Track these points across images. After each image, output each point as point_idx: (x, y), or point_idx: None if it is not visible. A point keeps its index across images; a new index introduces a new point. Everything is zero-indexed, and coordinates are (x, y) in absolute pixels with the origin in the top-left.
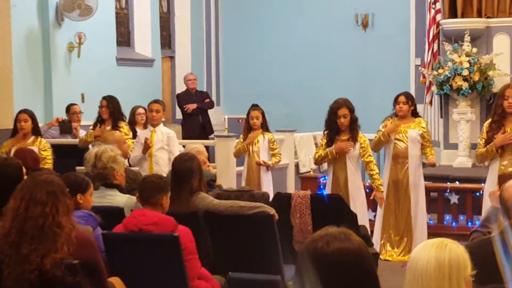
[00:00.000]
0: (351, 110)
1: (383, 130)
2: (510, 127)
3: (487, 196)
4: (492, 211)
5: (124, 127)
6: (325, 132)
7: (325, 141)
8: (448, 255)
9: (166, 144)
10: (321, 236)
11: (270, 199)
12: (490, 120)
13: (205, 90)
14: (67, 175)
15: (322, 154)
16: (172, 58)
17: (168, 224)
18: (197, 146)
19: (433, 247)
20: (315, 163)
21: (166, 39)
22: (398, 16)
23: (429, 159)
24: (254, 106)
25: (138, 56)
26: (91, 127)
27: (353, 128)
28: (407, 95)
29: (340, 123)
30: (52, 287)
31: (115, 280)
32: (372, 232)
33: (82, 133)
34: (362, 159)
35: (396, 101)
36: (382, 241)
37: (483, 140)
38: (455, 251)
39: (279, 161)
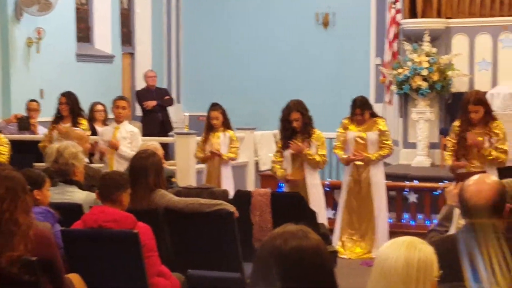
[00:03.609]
0: (303, 112)
1: (341, 131)
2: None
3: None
4: (449, 210)
5: (84, 123)
6: (280, 138)
7: (280, 145)
8: (417, 256)
9: (129, 142)
10: (279, 234)
11: (230, 196)
12: (458, 123)
13: (165, 87)
14: (22, 171)
15: (278, 174)
16: (132, 54)
17: (128, 221)
18: (153, 143)
19: (402, 246)
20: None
21: (127, 36)
22: (359, 15)
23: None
24: (214, 106)
25: (98, 52)
26: (49, 125)
27: (306, 130)
28: (361, 105)
29: (293, 127)
30: (9, 284)
31: (73, 277)
32: (332, 230)
33: (40, 129)
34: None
35: (353, 109)
36: (342, 239)
37: (451, 142)
38: (424, 251)
39: (234, 158)
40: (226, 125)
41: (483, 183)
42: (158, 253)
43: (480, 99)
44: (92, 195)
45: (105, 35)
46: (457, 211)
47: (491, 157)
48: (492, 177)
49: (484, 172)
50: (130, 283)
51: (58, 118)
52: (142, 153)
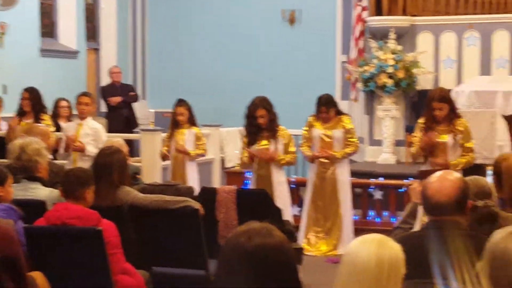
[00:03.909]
0: (268, 109)
1: (307, 129)
2: (437, 133)
3: None
4: (413, 207)
5: (47, 119)
6: (245, 135)
7: (246, 141)
8: (388, 253)
9: (93, 139)
10: (243, 231)
11: (196, 193)
12: (423, 120)
13: (130, 83)
14: None
15: (246, 161)
16: (97, 50)
17: (92, 218)
18: (118, 140)
19: (373, 244)
20: (242, 168)
21: (91, 31)
22: (325, 13)
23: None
24: (180, 102)
25: (63, 48)
26: (11, 120)
27: (272, 126)
28: (326, 103)
29: (258, 124)
30: None
31: (36, 275)
32: (297, 227)
33: (3, 125)
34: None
35: (318, 107)
36: (308, 236)
37: (416, 139)
38: (394, 249)
39: (202, 154)
40: (192, 122)
41: (445, 180)
42: (123, 250)
43: (445, 97)
44: (56, 192)
45: (69, 30)
46: (421, 208)
47: (460, 167)
48: (455, 174)
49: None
50: (94, 281)
51: (21, 113)
52: (107, 150)
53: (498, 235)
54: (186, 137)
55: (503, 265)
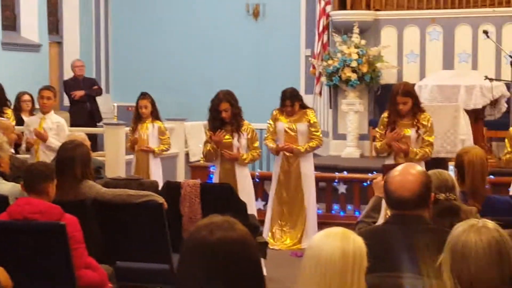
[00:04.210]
0: (232, 103)
1: (271, 122)
2: (401, 127)
3: None
4: (376, 201)
5: (9, 113)
6: (209, 128)
7: (210, 135)
8: (352, 247)
9: (55, 133)
10: (205, 225)
11: (160, 187)
12: (387, 114)
13: (93, 77)
14: None
15: (211, 150)
16: (60, 43)
17: (54, 212)
18: (80, 134)
19: (336, 237)
20: (205, 160)
21: (54, 24)
22: (289, 7)
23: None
24: (143, 95)
25: (25, 41)
26: None
27: (236, 120)
28: (291, 96)
29: (222, 118)
30: None
31: None
32: (262, 221)
33: None
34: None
35: (283, 100)
36: (272, 230)
37: (379, 134)
38: (358, 242)
39: (167, 149)
40: (155, 116)
41: (408, 174)
42: (86, 245)
43: (409, 91)
44: (18, 186)
45: (31, 23)
46: (384, 202)
47: (418, 157)
48: (417, 168)
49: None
50: (56, 275)
51: None
52: (69, 144)
53: (459, 228)
54: (149, 131)
55: (464, 258)
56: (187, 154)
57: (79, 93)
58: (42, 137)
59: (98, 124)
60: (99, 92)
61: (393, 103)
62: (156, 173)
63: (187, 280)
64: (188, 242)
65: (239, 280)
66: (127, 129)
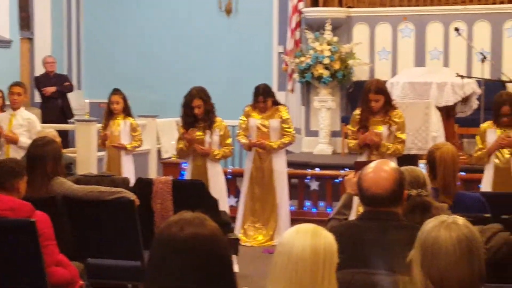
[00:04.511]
0: (205, 99)
1: (243, 118)
2: (373, 124)
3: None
4: (348, 198)
5: None
6: (181, 125)
7: (182, 132)
8: (323, 243)
9: (26, 130)
10: (175, 221)
11: (131, 184)
12: (359, 111)
13: (65, 73)
14: None
15: (183, 148)
16: (31, 39)
17: (25, 209)
18: (50, 130)
19: (307, 234)
20: (178, 157)
21: (25, 20)
22: (261, 3)
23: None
24: (115, 91)
25: None
26: None
27: (209, 117)
28: (264, 92)
29: (195, 114)
30: None
31: None
32: (234, 218)
33: None
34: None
35: (255, 96)
36: (244, 227)
37: (351, 131)
38: (328, 239)
39: (139, 146)
40: (127, 112)
41: (381, 171)
42: (57, 242)
43: (381, 88)
44: None
45: (2, 19)
46: (356, 199)
47: (389, 151)
48: (390, 164)
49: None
50: (27, 273)
51: None
52: (40, 141)
53: (429, 224)
54: (121, 128)
55: (434, 254)
56: (159, 151)
57: (50, 90)
58: (12, 140)
59: (69, 120)
60: (71, 89)
61: (365, 101)
62: (128, 170)
63: (158, 277)
64: (159, 239)
65: (210, 276)
66: (99, 125)
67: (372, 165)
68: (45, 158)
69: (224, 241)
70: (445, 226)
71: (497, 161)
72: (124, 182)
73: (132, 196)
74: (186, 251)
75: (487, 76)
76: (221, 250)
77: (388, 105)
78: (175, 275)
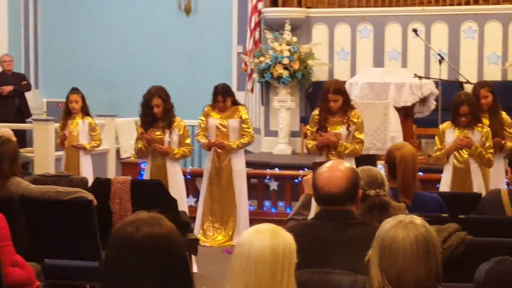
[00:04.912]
0: (164, 98)
1: (203, 118)
2: (332, 124)
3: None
4: (306, 198)
5: None
6: (140, 124)
7: (141, 131)
8: (282, 243)
9: None
10: (131, 221)
11: (90, 184)
12: (317, 112)
13: (23, 72)
14: None
15: (142, 148)
16: None
17: None
18: (6, 130)
19: (266, 234)
20: (137, 157)
21: None
22: (221, 3)
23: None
24: (74, 90)
25: None
26: None
27: (168, 116)
28: (223, 92)
29: (154, 113)
30: None
31: None
32: (193, 218)
33: None
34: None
35: (215, 96)
36: (204, 227)
37: (310, 131)
38: (287, 238)
39: (98, 145)
40: (85, 112)
41: (335, 170)
42: (13, 242)
43: (340, 89)
44: None
45: None
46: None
47: (347, 151)
48: (345, 164)
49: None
50: None
51: None
52: None
53: (387, 224)
54: (80, 127)
55: (391, 253)
56: (118, 151)
57: (7, 88)
58: None
59: (27, 120)
60: (28, 88)
61: (324, 101)
62: (87, 170)
63: (114, 277)
64: (115, 239)
65: (166, 276)
66: (57, 125)
67: (327, 165)
68: (1, 158)
69: (180, 240)
70: (402, 226)
71: (455, 161)
72: (82, 182)
73: (90, 196)
74: (142, 251)
75: (444, 77)
76: (178, 250)
77: (347, 105)
78: (131, 275)
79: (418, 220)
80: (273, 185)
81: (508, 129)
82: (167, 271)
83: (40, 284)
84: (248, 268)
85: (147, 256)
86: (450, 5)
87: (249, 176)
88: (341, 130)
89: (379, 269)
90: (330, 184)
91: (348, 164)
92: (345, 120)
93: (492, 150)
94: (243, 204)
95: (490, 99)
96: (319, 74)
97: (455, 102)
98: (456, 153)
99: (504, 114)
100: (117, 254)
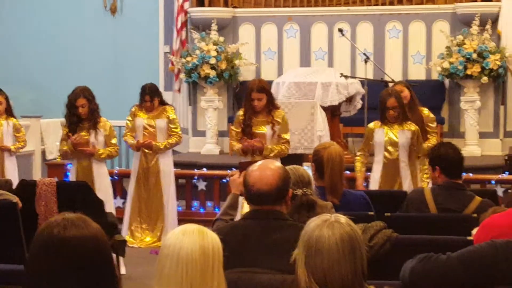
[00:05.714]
0: (89, 99)
1: (130, 118)
2: (256, 124)
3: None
4: (233, 198)
5: None
6: (65, 125)
7: (66, 131)
8: (210, 243)
9: None
10: (57, 222)
11: (14, 186)
12: (242, 112)
13: None
14: None
15: (68, 150)
16: None
17: None
18: None
19: (194, 234)
20: (62, 158)
21: None
22: (147, 3)
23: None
24: None
25: None
26: None
27: (93, 117)
28: (150, 92)
29: (79, 114)
30: None
31: None
32: (121, 219)
33: None
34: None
35: (142, 96)
36: (131, 228)
37: (235, 132)
38: (214, 238)
39: (22, 147)
40: (9, 113)
41: (266, 169)
42: None
43: (263, 87)
44: None
45: None
46: (241, 199)
47: (273, 154)
48: (276, 163)
49: (261, 150)
50: None
51: None
52: None
53: (312, 223)
54: (4, 128)
55: (317, 252)
56: (43, 152)
57: None
58: None
59: None
60: None
61: (248, 99)
62: (11, 172)
63: (38, 279)
64: (39, 239)
65: (91, 277)
66: None
67: (258, 163)
68: None
69: (106, 242)
70: (327, 225)
71: (385, 160)
72: (7, 185)
73: (14, 198)
74: (68, 252)
75: (370, 76)
76: (103, 250)
77: (271, 104)
78: (56, 276)
79: (343, 219)
80: (201, 185)
81: (430, 124)
82: (93, 272)
83: None
84: (179, 269)
85: (72, 257)
86: (375, 5)
87: (177, 177)
88: (266, 130)
89: (305, 268)
90: (261, 182)
91: (278, 163)
92: (269, 120)
93: (424, 149)
94: (171, 204)
95: (406, 93)
96: (246, 74)
97: (383, 96)
98: (385, 152)
99: (425, 110)
100: (41, 254)
